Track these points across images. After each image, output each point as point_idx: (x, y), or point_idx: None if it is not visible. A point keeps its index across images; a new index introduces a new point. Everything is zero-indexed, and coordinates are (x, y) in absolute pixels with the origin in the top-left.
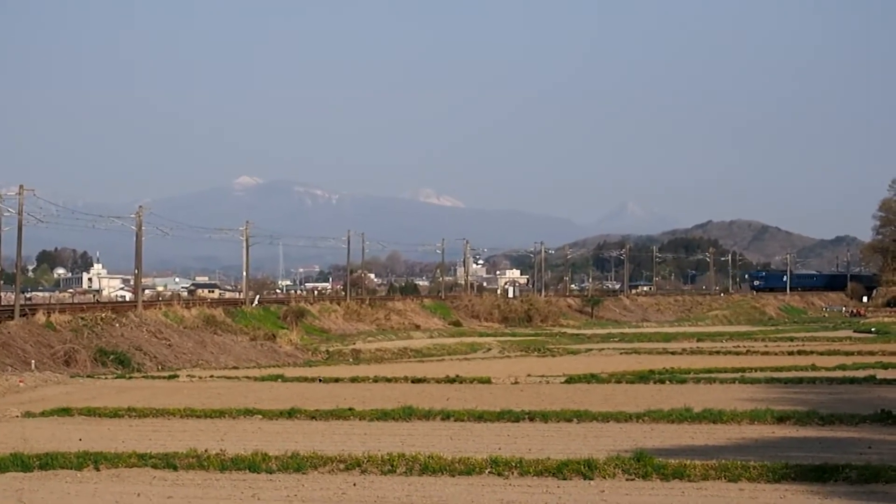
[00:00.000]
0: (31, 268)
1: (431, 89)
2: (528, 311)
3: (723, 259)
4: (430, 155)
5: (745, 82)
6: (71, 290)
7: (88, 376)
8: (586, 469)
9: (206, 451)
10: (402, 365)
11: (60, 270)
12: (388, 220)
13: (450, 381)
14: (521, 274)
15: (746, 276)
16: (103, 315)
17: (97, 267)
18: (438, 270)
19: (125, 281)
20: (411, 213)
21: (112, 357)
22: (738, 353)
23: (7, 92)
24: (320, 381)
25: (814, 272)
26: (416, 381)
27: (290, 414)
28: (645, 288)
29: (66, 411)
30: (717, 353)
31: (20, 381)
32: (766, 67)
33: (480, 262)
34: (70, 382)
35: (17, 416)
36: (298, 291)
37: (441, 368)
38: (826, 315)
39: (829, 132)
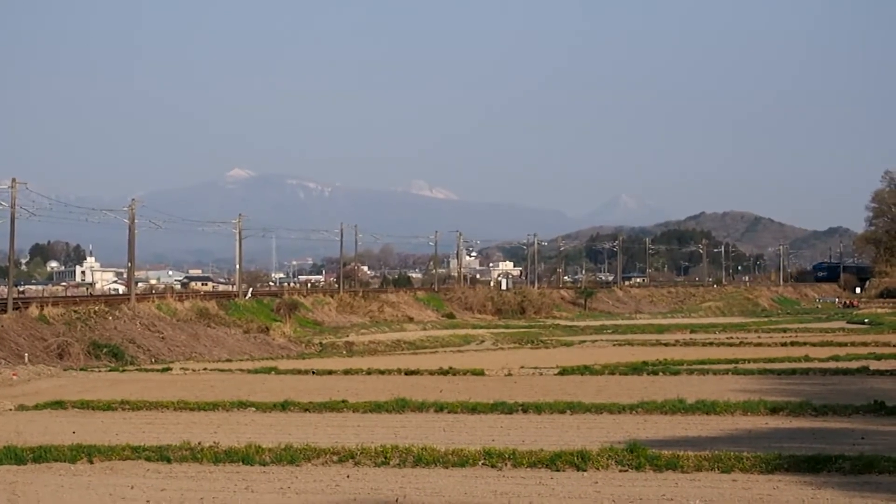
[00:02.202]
0: (24, 261)
1: (424, 82)
2: (521, 303)
3: (716, 251)
4: (422, 147)
5: (738, 75)
6: (64, 284)
7: (82, 369)
8: (580, 460)
9: (199, 443)
10: (395, 357)
11: (53, 264)
12: (381, 212)
13: (443, 373)
14: (515, 266)
15: (812, 267)
16: (96, 308)
17: (90, 260)
18: (431, 263)
19: (118, 274)
20: (404, 206)
21: (105, 350)
22: (731, 345)
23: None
24: (314, 373)
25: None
26: (409, 373)
27: (284, 406)
28: (638, 280)
29: (59, 404)
30: (711, 344)
31: (13, 375)
32: (759, 60)
33: (473, 254)
34: (63, 375)
35: (11, 410)
36: (291, 284)
37: (434, 360)
38: (819, 306)
39: (821, 124)
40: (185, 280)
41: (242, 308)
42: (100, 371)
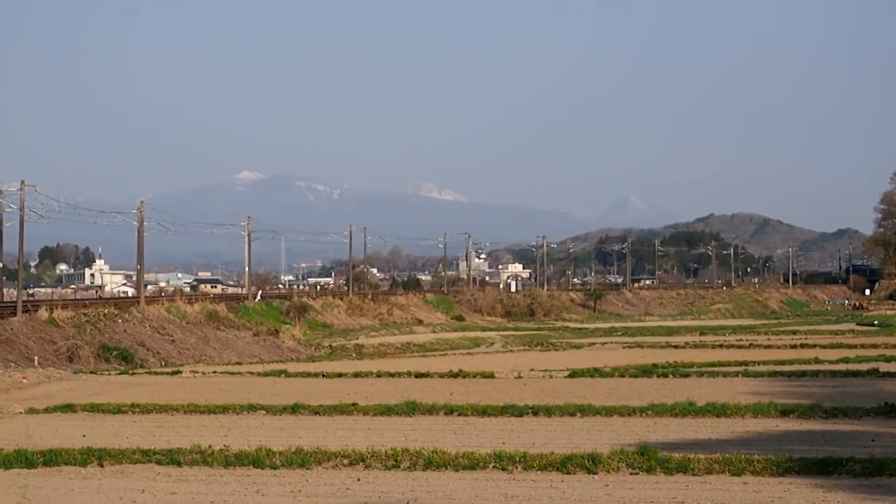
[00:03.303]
0: (33, 264)
1: (433, 84)
2: (530, 306)
3: (725, 252)
4: (431, 149)
5: (747, 76)
6: (73, 286)
7: (91, 372)
8: (590, 463)
9: (209, 446)
10: (405, 360)
11: (63, 266)
12: (390, 214)
13: (453, 375)
14: (524, 268)
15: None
16: (106, 311)
17: (99, 263)
18: (441, 265)
19: (127, 276)
20: (413, 208)
21: (115, 353)
22: (741, 347)
23: (8, 88)
24: (323, 376)
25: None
26: (419, 375)
27: (294, 409)
28: (647, 281)
29: (69, 407)
30: (720, 346)
31: (23, 378)
32: (767, 61)
33: (482, 256)
34: (73, 378)
35: (21, 413)
36: (301, 286)
37: (444, 363)
38: (829, 308)
39: (830, 125)
40: (195, 282)
41: (252, 311)
42: (109, 374)
